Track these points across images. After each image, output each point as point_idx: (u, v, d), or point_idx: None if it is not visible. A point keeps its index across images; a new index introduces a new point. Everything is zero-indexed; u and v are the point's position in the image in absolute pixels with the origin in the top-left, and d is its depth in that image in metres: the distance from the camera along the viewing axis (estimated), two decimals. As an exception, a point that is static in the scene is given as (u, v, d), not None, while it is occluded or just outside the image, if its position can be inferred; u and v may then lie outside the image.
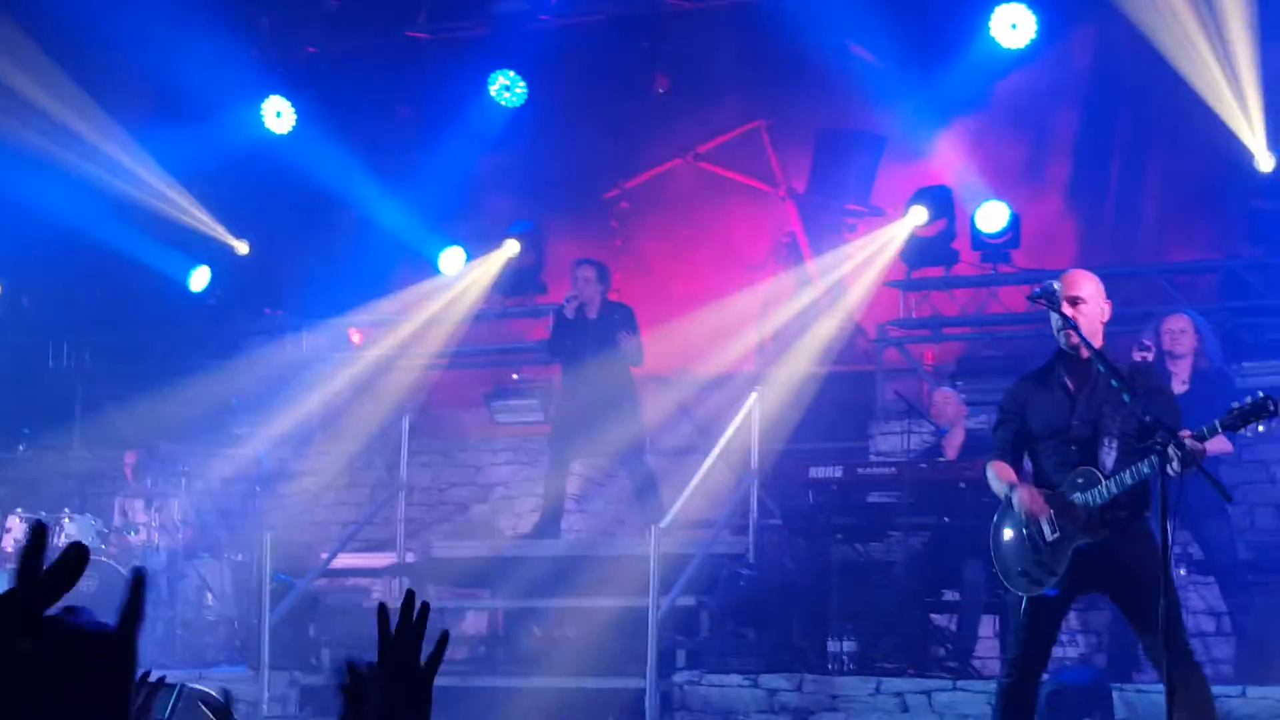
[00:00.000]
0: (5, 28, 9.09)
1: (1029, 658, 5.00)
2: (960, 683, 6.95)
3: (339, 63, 9.83)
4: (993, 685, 5.87)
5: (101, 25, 8.67)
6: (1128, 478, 4.71)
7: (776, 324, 8.71)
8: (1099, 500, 4.79)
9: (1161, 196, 8.60)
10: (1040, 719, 5.89)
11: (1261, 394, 4.73)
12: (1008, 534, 5.10)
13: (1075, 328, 4.60)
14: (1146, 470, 4.63)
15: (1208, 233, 8.36)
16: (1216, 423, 4.68)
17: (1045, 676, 5.21)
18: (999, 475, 4.94)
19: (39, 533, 0.93)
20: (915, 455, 8.05)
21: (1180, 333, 6.63)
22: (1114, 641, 7.30)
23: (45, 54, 9.15)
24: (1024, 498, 4.84)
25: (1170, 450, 4.56)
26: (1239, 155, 7.82)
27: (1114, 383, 4.75)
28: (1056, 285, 4.90)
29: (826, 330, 8.51)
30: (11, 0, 8.92)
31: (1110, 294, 5.61)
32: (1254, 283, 7.92)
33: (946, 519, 7.42)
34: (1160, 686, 4.78)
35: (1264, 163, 7.75)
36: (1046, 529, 4.91)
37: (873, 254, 8.60)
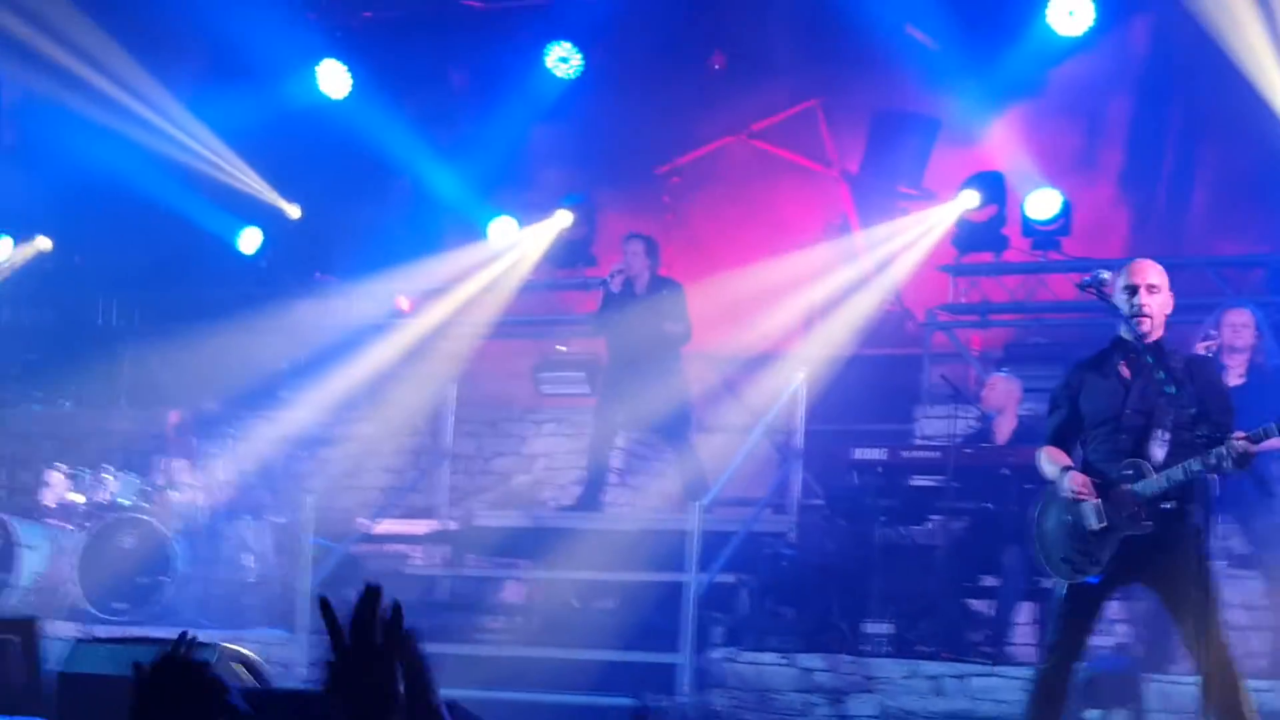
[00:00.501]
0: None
1: (1067, 645, 5.04)
2: (996, 668, 7.02)
3: (395, 28, 10.04)
4: (1027, 671, 5.93)
5: None
6: (1179, 474, 4.77)
7: (825, 303, 8.81)
8: (1148, 493, 4.84)
9: (1213, 188, 8.72)
10: (1073, 705, 5.85)
11: None
12: (1053, 520, 5.12)
13: (1148, 315, 4.67)
14: (1198, 468, 4.71)
15: (1258, 226, 8.38)
16: (1274, 425, 4.68)
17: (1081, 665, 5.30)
18: (1051, 458, 4.97)
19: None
20: (960, 440, 8.13)
21: (1242, 326, 6.68)
22: (1151, 632, 7.21)
23: (96, 15, 9.40)
24: (1075, 482, 4.86)
25: (1223, 448, 4.64)
26: None
27: (1160, 374, 4.77)
28: (1105, 274, 4.93)
29: (873, 310, 8.63)
30: None
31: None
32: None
33: (989, 504, 7.54)
34: (1194, 678, 4.86)
35: None
36: (1093, 517, 4.93)
37: (921, 234, 8.73)
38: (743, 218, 9.39)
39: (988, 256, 8.81)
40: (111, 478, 8.74)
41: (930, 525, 7.97)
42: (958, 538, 7.80)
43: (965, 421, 8.31)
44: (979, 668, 7.15)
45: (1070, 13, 8.44)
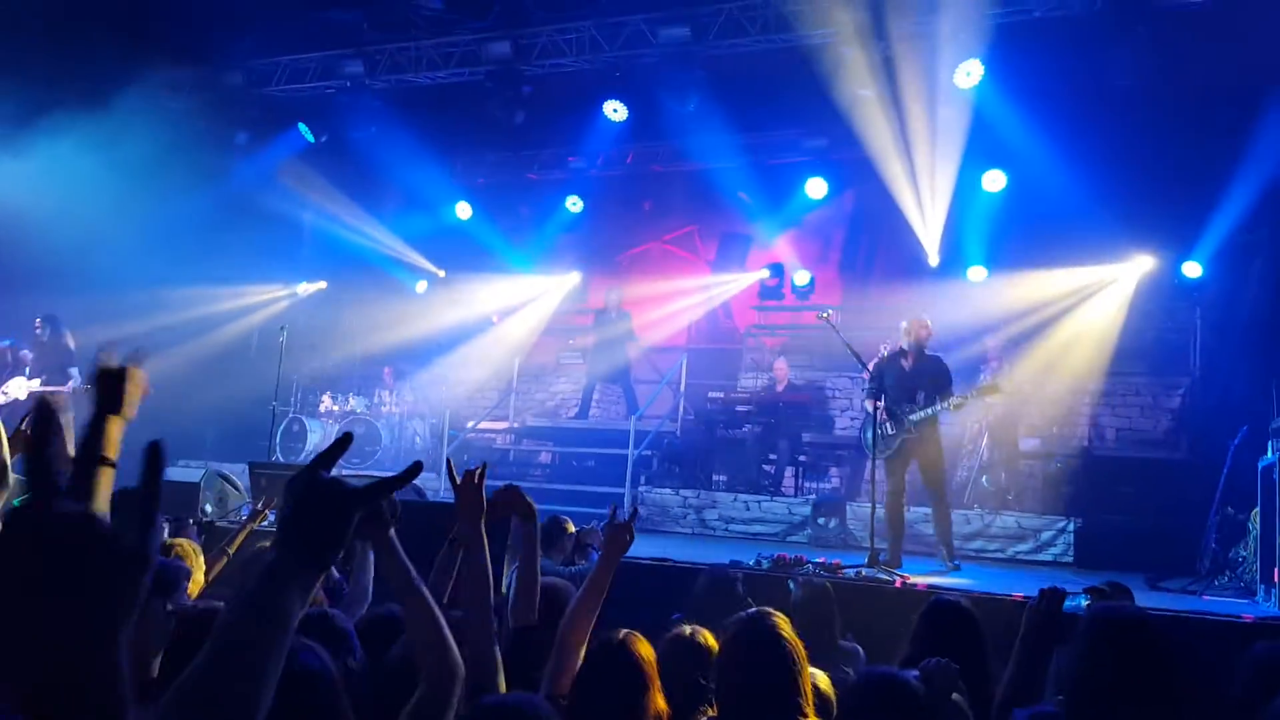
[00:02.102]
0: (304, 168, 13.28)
1: (895, 487, 7.75)
2: (774, 497, 10.48)
3: (496, 185, 14.44)
4: (792, 498, 10.25)
5: (365, 153, 12.90)
6: (930, 409, 7.54)
7: (695, 320, 13.79)
8: (915, 417, 7.58)
9: (882, 274, 12.81)
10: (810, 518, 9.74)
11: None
12: (870, 430, 7.78)
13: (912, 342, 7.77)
14: (938, 406, 7.55)
15: (908, 291, 11.55)
16: (972, 392, 7.79)
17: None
18: (871, 403, 7.61)
19: (345, 439, 1.36)
20: (759, 389, 12.17)
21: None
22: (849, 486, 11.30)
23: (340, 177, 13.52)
24: (882, 414, 7.50)
25: (945, 400, 7.51)
26: (924, 252, 11.97)
27: (921, 364, 7.67)
28: (829, 312, 8.42)
29: (717, 323, 13.46)
30: (326, 148, 13.12)
31: (850, 319, 10.93)
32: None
33: (771, 420, 11.36)
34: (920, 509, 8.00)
35: (932, 258, 12.09)
36: (889, 426, 7.72)
37: (743, 288, 13.71)
38: (657, 280, 13.70)
39: (775, 301, 13.47)
40: (353, 398, 13.21)
41: (744, 429, 11.52)
42: (757, 435, 11.41)
43: (761, 380, 12.62)
44: (765, 497, 10.57)
45: (816, 188, 13.01)
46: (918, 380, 7.73)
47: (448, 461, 2.87)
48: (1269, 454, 6.78)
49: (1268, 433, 7.33)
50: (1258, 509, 6.88)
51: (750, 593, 5.25)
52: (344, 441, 1.39)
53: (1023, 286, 11.71)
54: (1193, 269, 11.48)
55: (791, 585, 5.15)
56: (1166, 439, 11.29)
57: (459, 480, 2.67)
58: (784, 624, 2.84)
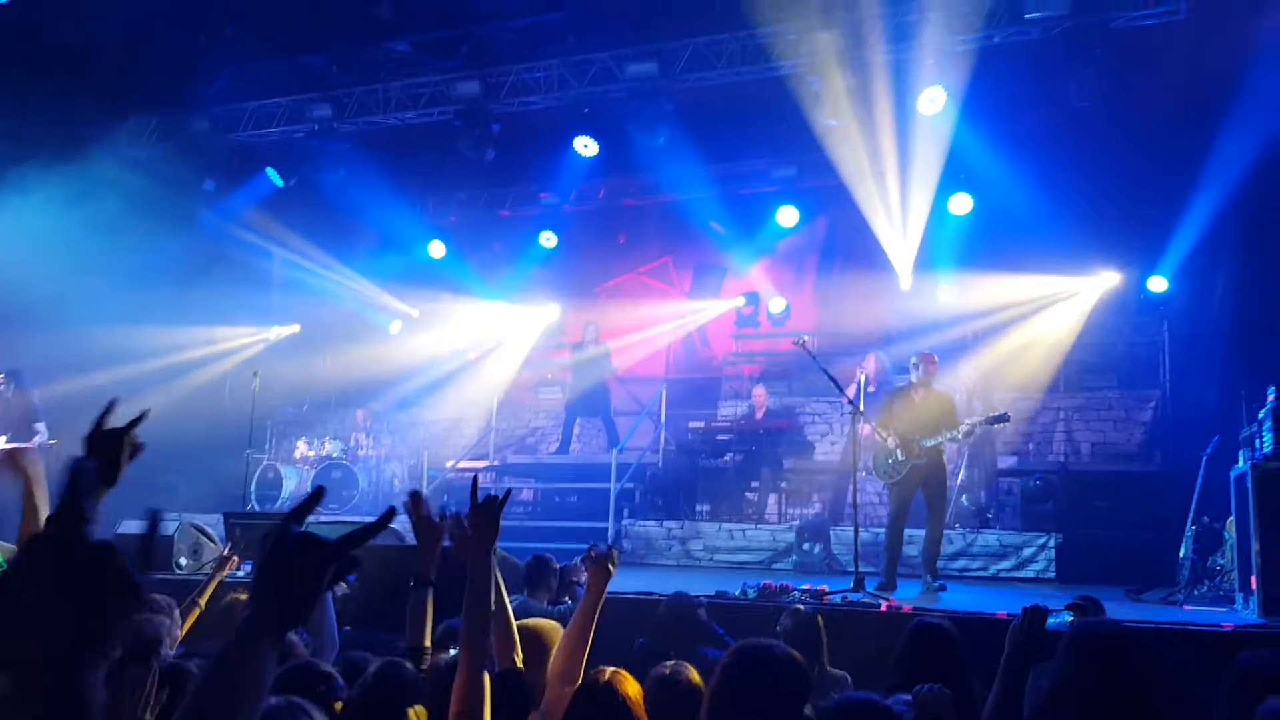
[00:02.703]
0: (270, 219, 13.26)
1: (897, 512, 7.92)
2: (758, 525, 10.46)
3: (469, 224, 14.51)
4: (775, 526, 10.21)
5: (335, 196, 12.81)
6: (939, 438, 7.74)
7: (673, 348, 13.91)
8: (927, 445, 7.74)
9: (852, 301, 12.70)
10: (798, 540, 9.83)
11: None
12: (879, 456, 8.05)
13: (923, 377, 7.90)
14: (946, 436, 7.77)
15: (879, 312, 12.24)
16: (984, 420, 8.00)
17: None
18: (881, 431, 7.93)
19: (318, 493, 1.35)
20: (739, 417, 12.06)
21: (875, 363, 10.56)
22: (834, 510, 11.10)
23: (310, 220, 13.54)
24: (892, 439, 7.80)
25: (954, 430, 7.75)
26: (893, 274, 12.13)
27: (928, 398, 7.87)
28: (805, 338, 8.29)
29: (694, 352, 13.67)
30: (296, 192, 13.00)
31: (826, 344, 11.19)
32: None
33: (752, 448, 11.29)
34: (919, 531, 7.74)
35: (904, 283, 12.24)
36: (899, 454, 7.86)
37: (719, 315, 13.93)
38: (632, 310, 13.74)
39: (751, 329, 13.64)
40: (329, 442, 12.95)
41: (726, 458, 11.47)
42: (738, 464, 11.39)
43: (740, 409, 12.49)
44: (749, 525, 10.59)
45: (787, 217, 13.16)
46: (928, 412, 7.93)
47: (413, 494, 2.92)
48: (1240, 463, 6.86)
49: (1238, 442, 7.45)
50: (1232, 518, 6.97)
51: (737, 623, 5.25)
52: (316, 496, 1.39)
53: (992, 300, 11.96)
54: (1158, 283, 11.70)
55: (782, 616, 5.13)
56: (1140, 452, 11.43)
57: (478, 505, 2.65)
58: (783, 654, 2.81)
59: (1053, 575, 9.21)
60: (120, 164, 11.45)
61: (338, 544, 1.30)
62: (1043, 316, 12.10)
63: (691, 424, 11.98)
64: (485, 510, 2.63)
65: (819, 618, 4.95)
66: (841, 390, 8.13)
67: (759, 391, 11.93)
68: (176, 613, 4.32)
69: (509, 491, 2.75)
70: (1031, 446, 11.69)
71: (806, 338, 8.44)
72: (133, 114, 11.87)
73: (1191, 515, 7.99)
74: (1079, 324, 11.93)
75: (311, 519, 1.36)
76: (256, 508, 11.50)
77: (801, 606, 5.45)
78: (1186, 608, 7.06)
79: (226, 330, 14.08)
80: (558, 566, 6.24)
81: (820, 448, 12.39)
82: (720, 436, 11.67)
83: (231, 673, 1.22)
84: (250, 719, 1.20)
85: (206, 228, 13.09)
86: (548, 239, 14.49)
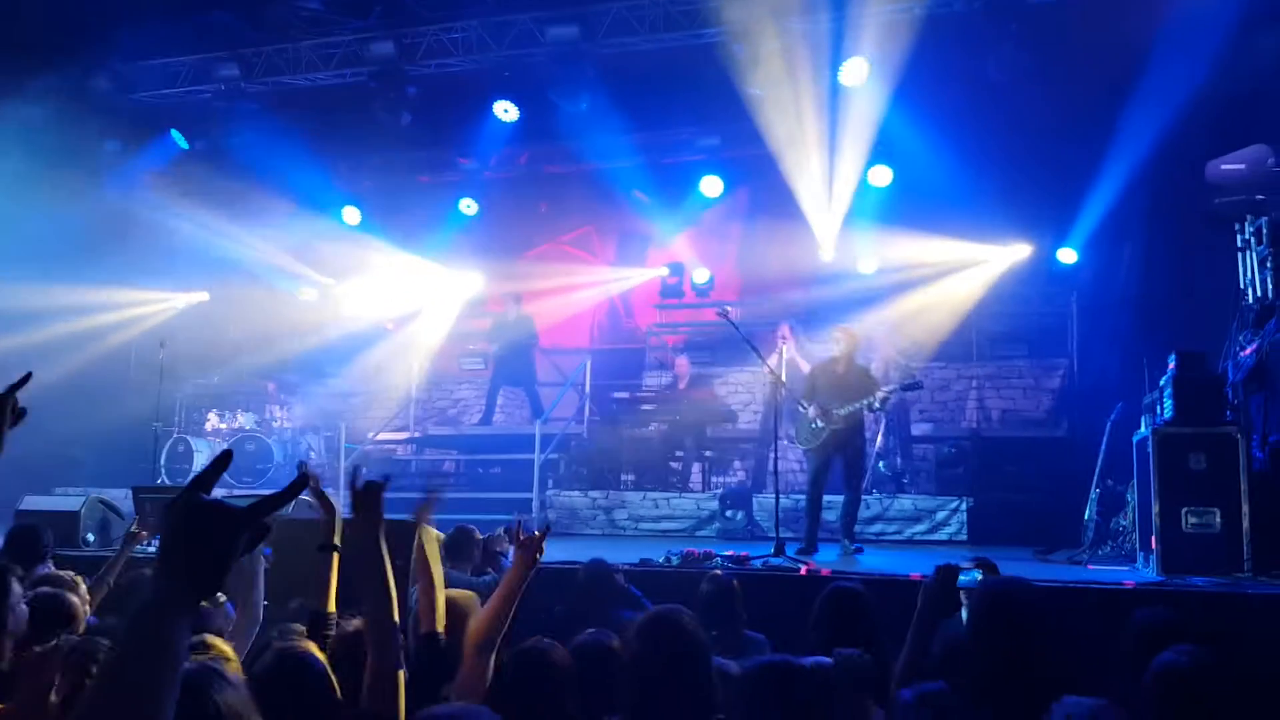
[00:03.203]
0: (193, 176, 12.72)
1: (816, 479, 8.19)
2: (682, 494, 10.66)
3: (385, 189, 14.17)
4: (699, 494, 10.37)
5: (244, 159, 12.39)
6: (856, 407, 8.06)
7: (597, 320, 13.94)
8: (843, 412, 8.04)
9: (777, 270, 12.73)
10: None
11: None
12: (801, 424, 8.37)
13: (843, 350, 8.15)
14: (863, 403, 8.06)
15: (804, 284, 12.40)
16: (897, 388, 8.47)
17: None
18: (804, 402, 8.17)
19: (224, 457, 1.29)
20: (663, 387, 12.20)
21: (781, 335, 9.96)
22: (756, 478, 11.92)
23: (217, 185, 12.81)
24: (815, 411, 8.07)
25: (871, 398, 8.02)
26: (815, 245, 12.22)
27: (850, 369, 8.15)
28: (729, 308, 8.23)
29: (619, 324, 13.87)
30: (202, 155, 12.72)
31: (750, 314, 11.16)
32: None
33: (677, 416, 11.43)
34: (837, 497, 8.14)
35: (826, 255, 12.32)
36: (819, 422, 8.11)
37: (644, 287, 13.97)
38: (555, 279, 13.64)
39: (674, 299, 13.62)
40: (241, 414, 12.92)
41: (650, 427, 11.59)
42: (663, 433, 11.51)
43: (665, 378, 12.57)
44: (674, 494, 10.73)
45: (711, 186, 13.15)
46: (848, 383, 8.15)
47: (302, 468, 2.87)
48: (1142, 428, 7.15)
49: (1141, 408, 7.79)
50: (1134, 481, 7.22)
51: (660, 590, 5.29)
52: (223, 460, 1.33)
53: (908, 259, 12.16)
54: (1068, 255, 12.02)
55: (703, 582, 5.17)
56: (1048, 418, 11.75)
57: (359, 491, 2.56)
58: (687, 619, 2.86)
59: (965, 538, 9.48)
60: (19, 123, 10.98)
61: (247, 511, 1.25)
62: (954, 281, 12.35)
63: (616, 394, 12.08)
64: (366, 496, 2.52)
65: (735, 583, 5.01)
66: (764, 360, 8.27)
67: (682, 361, 11.99)
68: (84, 589, 4.17)
69: (388, 478, 2.61)
70: (945, 414, 12.00)
71: (730, 308, 8.49)
72: (30, 71, 11.25)
73: (1096, 479, 8.30)
74: (985, 289, 12.22)
75: (226, 493, 1.28)
76: (167, 482, 11.27)
77: (719, 572, 5.54)
78: (1091, 567, 7.36)
79: (133, 294, 13.70)
80: (480, 537, 6.20)
81: (743, 417, 12.48)
82: (644, 406, 11.74)
83: (143, 646, 1.17)
84: (167, 693, 1.15)
85: (110, 190, 12.65)
86: (468, 206, 14.25)
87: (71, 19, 11.12)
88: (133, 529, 5.70)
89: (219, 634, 3.24)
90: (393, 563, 2.53)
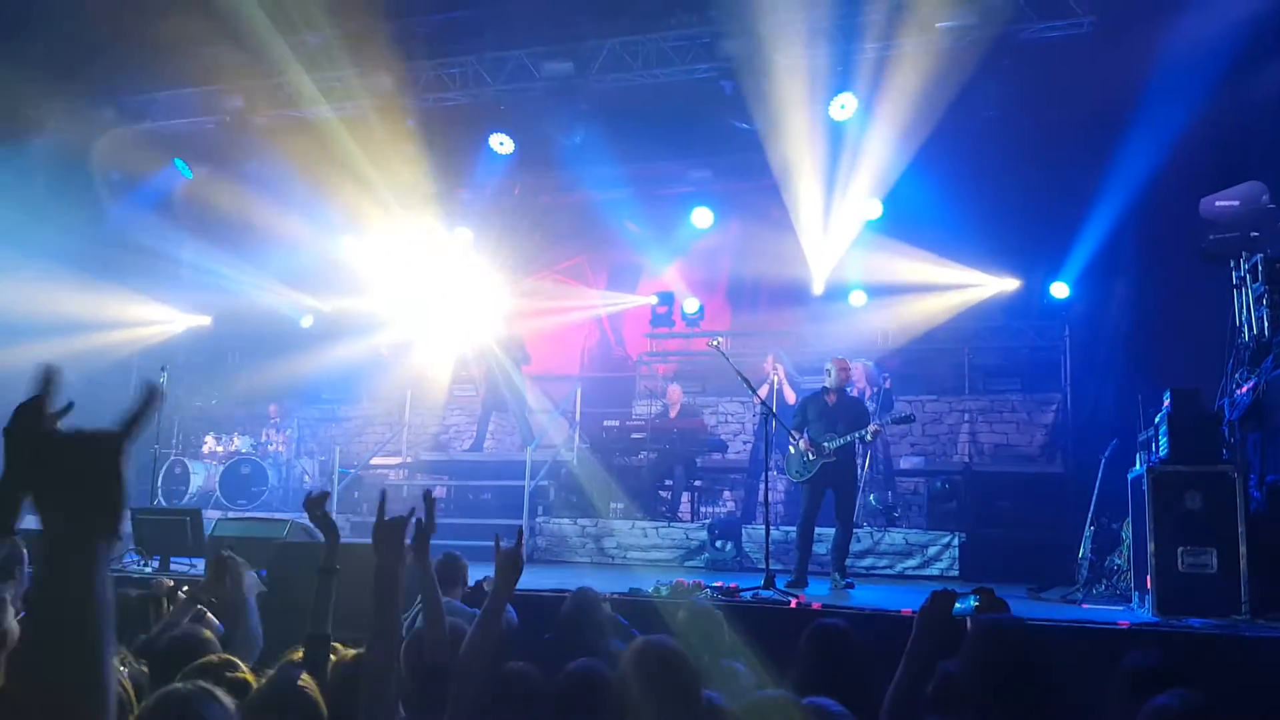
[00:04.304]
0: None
1: (808, 511, 8.08)
2: (671, 524, 10.50)
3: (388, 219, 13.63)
4: (689, 525, 10.26)
5: (247, 188, 12.66)
6: (848, 439, 8.02)
7: (588, 347, 14.13)
8: (833, 445, 8.00)
9: (767, 301, 13.23)
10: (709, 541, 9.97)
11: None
12: (793, 456, 8.30)
13: (836, 382, 8.14)
14: (855, 436, 8.02)
15: (788, 314, 12.75)
16: (889, 420, 8.45)
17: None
18: (796, 434, 8.21)
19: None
20: (653, 416, 11.93)
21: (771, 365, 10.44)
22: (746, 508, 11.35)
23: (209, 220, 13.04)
24: (805, 442, 8.07)
25: (863, 430, 7.98)
26: (804, 278, 12.45)
27: (842, 401, 8.15)
28: (719, 340, 8.24)
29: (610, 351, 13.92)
30: (195, 185, 12.88)
31: (739, 345, 11.32)
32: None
33: (666, 446, 11.29)
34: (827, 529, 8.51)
35: (817, 287, 12.54)
36: (810, 454, 8.08)
37: (635, 317, 13.98)
38: (550, 309, 13.82)
39: (665, 329, 13.57)
40: (238, 437, 12.95)
41: (640, 456, 11.59)
42: (652, 463, 11.39)
43: (655, 407, 12.42)
44: (662, 523, 10.58)
45: (702, 218, 13.37)
46: (839, 414, 8.10)
47: (383, 494, 2.77)
48: (1137, 466, 7.08)
49: (1136, 445, 7.72)
50: (1129, 519, 7.17)
51: (649, 620, 5.22)
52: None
53: (899, 306, 12.26)
54: (1061, 289, 12.06)
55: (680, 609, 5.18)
56: (1042, 453, 11.74)
57: (385, 524, 2.59)
58: (680, 649, 2.83)
59: (956, 573, 9.42)
60: (24, 149, 11.20)
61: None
62: (945, 311, 12.41)
63: (606, 422, 12.02)
64: (390, 530, 2.56)
65: (713, 608, 5.02)
66: (754, 391, 8.26)
67: (673, 390, 11.97)
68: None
69: (413, 511, 2.70)
70: (937, 447, 11.98)
71: (720, 339, 8.48)
72: (36, 100, 11.40)
73: (1090, 516, 8.24)
74: (976, 320, 12.35)
75: (220, 514, 1.22)
76: (163, 503, 11.28)
77: (694, 600, 5.59)
78: (1085, 606, 7.24)
79: (135, 309, 13.78)
80: (465, 563, 6.12)
81: (733, 447, 12.46)
82: (634, 435, 11.69)
83: (61, 591, 1.08)
84: (101, 636, 1.07)
85: (113, 217, 12.74)
86: (465, 239, 14.08)
87: (79, 47, 11.21)
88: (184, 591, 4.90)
89: (209, 646, 3.24)
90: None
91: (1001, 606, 4.57)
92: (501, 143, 12.33)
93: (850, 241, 12.26)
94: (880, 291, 12.38)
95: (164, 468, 12.07)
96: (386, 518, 2.56)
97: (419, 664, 3.15)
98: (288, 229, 13.38)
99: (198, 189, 12.90)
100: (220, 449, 12.91)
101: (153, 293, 13.46)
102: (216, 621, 4.03)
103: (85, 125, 12.02)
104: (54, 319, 12.15)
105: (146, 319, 13.87)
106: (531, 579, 6.06)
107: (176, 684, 2.09)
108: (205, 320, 14.45)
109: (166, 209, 13.12)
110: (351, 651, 3.03)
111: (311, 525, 6.34)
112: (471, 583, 6.16)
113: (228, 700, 2.04)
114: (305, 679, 2.65)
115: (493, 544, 3.19)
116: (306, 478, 13.05)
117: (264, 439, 13.10)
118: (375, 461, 12.96)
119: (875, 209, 12.37)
